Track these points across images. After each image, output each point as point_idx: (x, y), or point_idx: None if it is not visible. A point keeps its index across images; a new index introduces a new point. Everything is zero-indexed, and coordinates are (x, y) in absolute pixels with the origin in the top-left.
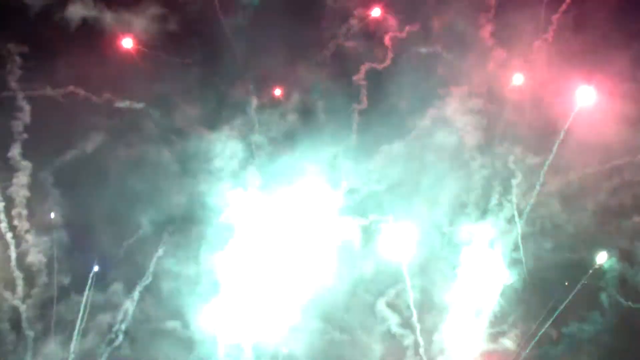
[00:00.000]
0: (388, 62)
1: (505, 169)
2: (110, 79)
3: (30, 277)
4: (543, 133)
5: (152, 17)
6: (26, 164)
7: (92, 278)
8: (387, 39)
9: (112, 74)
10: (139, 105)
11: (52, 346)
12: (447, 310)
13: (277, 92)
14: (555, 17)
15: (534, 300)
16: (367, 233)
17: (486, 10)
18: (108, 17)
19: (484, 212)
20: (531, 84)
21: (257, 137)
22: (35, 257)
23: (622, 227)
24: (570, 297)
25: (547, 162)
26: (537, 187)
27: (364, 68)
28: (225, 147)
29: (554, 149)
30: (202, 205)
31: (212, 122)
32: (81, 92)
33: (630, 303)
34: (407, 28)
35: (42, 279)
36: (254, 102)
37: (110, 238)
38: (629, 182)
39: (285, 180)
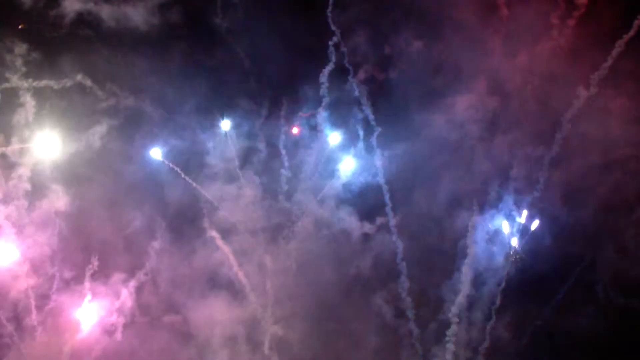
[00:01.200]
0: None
1: (505, 162)
2: (112, 73)
3: (30, 269)
4: (545, 125)
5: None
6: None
7: (90, 270)
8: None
9: (113, 68)
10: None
11: (52, 337)
12: (445, 302)
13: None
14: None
15: (531, 293)
16: (366, 226)
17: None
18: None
19: (483, 205)
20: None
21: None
22: (35, 250)
23: (622, 222)
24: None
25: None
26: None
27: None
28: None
29: (556, 141)
30: (199, 200)
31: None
32: (87, 83)
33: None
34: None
35: (42, 270)
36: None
37: (110, 231)
38: (630, 175)
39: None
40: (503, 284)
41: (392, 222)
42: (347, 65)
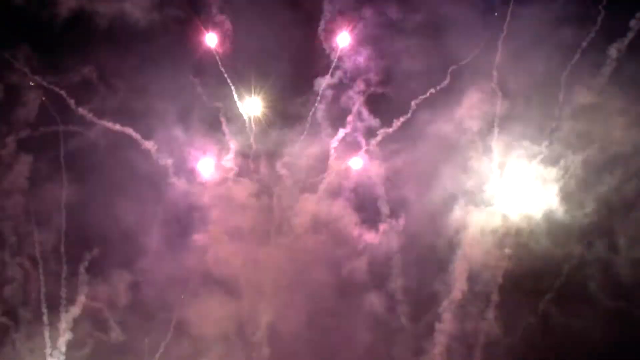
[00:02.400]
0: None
1: (500, 158)
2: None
3: (26, 267)
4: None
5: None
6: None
7: (85, 267)
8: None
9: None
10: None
11: (43, 332)
12: (438, 299)
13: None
14: None
15: (524, 291)
16: (362, 223)
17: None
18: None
19: (478, 202)
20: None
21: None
22: (31, 248)
23: (617, 222)
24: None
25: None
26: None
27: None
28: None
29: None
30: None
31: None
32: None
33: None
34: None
35: (37, 268)
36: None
37: (106, 229)
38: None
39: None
40: (500, 280)
41: (386, 215)
42: (345, 70)
